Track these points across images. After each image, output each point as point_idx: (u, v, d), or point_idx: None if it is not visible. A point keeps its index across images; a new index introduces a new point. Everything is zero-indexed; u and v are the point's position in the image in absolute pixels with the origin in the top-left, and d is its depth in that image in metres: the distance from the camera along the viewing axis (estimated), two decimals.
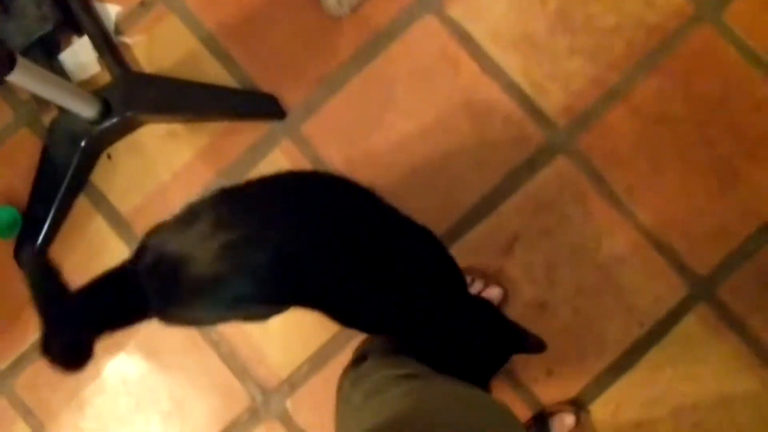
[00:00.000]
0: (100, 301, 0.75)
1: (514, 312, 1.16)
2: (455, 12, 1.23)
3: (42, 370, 1.21)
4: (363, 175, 1.18)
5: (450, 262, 0.87)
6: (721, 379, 1.14)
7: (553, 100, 1.20)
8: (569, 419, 1.12)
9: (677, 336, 1.15)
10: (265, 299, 0.75)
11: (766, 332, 1.13)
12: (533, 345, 0.91)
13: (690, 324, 1.15)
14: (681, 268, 1.16)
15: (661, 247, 1.16)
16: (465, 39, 1.22)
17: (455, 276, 0.88)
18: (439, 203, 1.20)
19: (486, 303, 0.92)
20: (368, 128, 1.22)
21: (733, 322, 1.14)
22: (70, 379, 1.25)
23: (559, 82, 1.20)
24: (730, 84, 1.17)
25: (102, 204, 1.26)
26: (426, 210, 1.17)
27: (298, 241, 0.74)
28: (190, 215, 0.75)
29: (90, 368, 1.19)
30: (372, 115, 1.23)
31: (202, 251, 0.72)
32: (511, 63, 1.21)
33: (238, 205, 0.76)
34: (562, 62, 1.20)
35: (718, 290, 1.15)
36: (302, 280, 0.74)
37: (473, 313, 0.89)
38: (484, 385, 0.88)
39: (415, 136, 1.22)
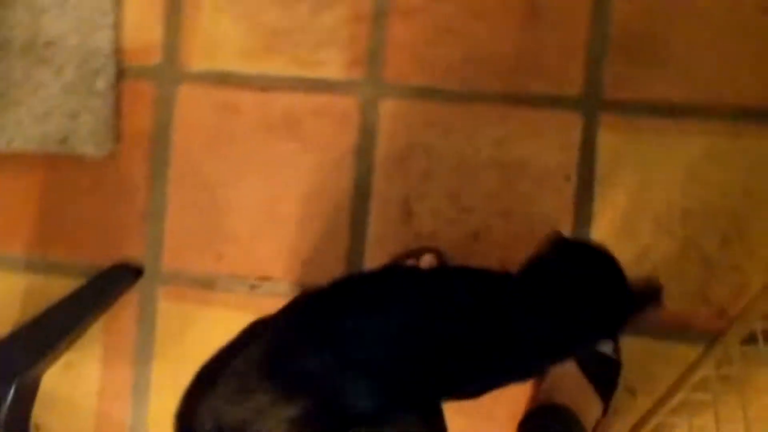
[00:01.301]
0: None
1: (456, 257, 1.07)
2: (199, 66, 1.15)
3: None
4: (245, 266, 1.12)
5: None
6: (669, 160, 1.05)
7: (335, 64, 1.11)
8: None
9: (607, 161, 1.06)
10: None
11: (669, 91, 1.04)
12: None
13: (607, 142, 1.06)
14: (557, 102, 1.06)
15: (525, 99, 1.07)
16: (227, 82, 1.14)
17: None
18: (325, 238, 1.12)
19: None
20: (216, 221, 1.14)
21: (637, 108, 1.05)
22: None
23: (327, 45, 1.11)
24: None
25: None
26: (322, 250, 1.11)
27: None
28: (237, 383, 0.69)
29: None
30: (209, 206, 1.14)
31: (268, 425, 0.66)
32: (272, 66, 1.12)
33: (287, 375, 0.69)
34: (313, 27, 1.11)
35: (603, 93, 1.06)
36: None
37: None
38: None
39: (257, 198, 1.14)
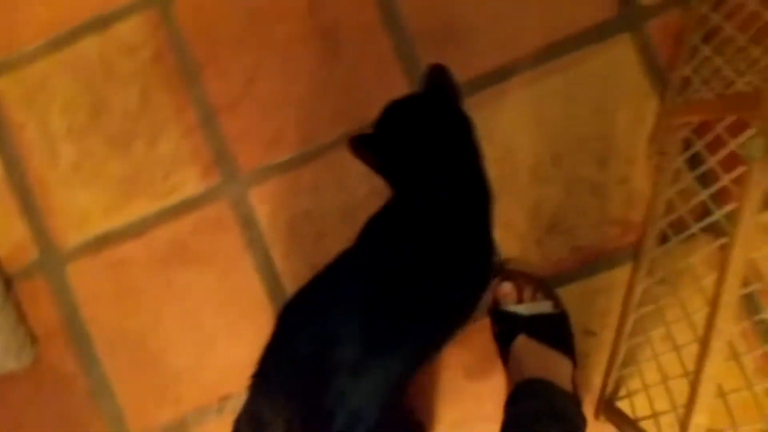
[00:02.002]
0: None
1: None
2: (75, 241, 1.19)
3: None
4: (203, 395, 1.13)
5: None
6: (518, 118, 1.09)
7: (191, 180, 1.14)
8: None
9: None
10: None
11: (488, 60, 1.09)
12: None
13: None
14: None
15: (369, 129, 1.10)
16: (106, 242, 1.18)
17: None
18: (256, 335, 1.14)
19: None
20: (158, 368, 1.17)
21: (469, 87, 1.09)
22: None
23: (176, 167, 1.14)
24: None
25: None
26: (258, 346, 1.12)
27: None
28: (250, 417, 0.75)
29: None
30: (146, 358, 1.17)
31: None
32: (138, 209, 1.15)
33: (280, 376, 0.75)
34: (155, 158, 1.14)
35: None
36: None
37: None
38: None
39: (183, 329, 1.17)
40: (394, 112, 0.86)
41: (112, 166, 1.15)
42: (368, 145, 0.86)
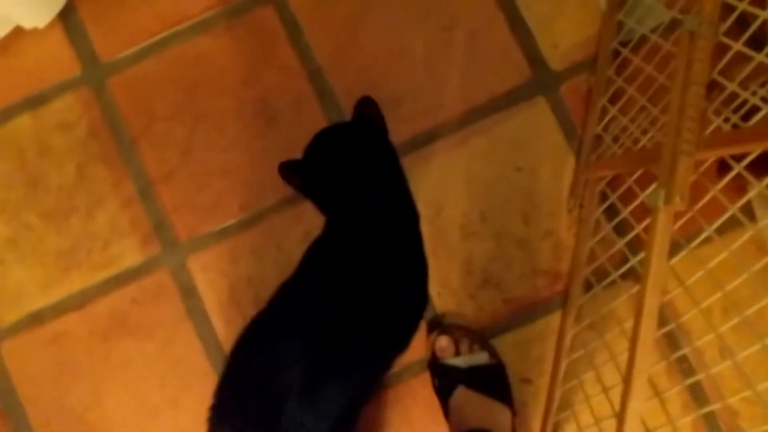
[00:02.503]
0: None
1: None
2: (11, 318, 1.18)
3: None
4: None
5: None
6: (447, 179, 1.14)
7: (131, 250, 1.15)
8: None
9: None
10: None
11: (415, 125, 1.14)
12: None
13: None
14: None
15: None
16: (44, 318, 1.17)
17: None
18: (202, 404, 1.13)
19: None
20: None
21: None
22: None
23: (114, 239, 1.14)
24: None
25: None
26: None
27: None
28: None
29: None
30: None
31: None
32: (76, 282, 1.15)
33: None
34: (93, 231, 1.15)
35: None
36: None
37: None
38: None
39: (126, 403, 1.16)
40: (323, 138, 0.90)
41: (49, 241, 1.15)
42: (297, 171, 0.90)
